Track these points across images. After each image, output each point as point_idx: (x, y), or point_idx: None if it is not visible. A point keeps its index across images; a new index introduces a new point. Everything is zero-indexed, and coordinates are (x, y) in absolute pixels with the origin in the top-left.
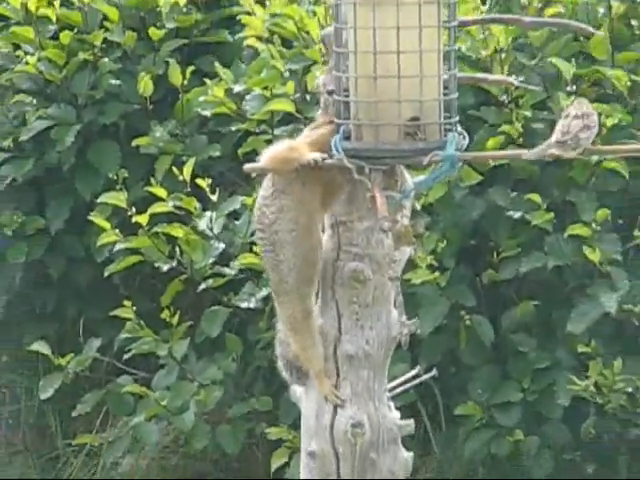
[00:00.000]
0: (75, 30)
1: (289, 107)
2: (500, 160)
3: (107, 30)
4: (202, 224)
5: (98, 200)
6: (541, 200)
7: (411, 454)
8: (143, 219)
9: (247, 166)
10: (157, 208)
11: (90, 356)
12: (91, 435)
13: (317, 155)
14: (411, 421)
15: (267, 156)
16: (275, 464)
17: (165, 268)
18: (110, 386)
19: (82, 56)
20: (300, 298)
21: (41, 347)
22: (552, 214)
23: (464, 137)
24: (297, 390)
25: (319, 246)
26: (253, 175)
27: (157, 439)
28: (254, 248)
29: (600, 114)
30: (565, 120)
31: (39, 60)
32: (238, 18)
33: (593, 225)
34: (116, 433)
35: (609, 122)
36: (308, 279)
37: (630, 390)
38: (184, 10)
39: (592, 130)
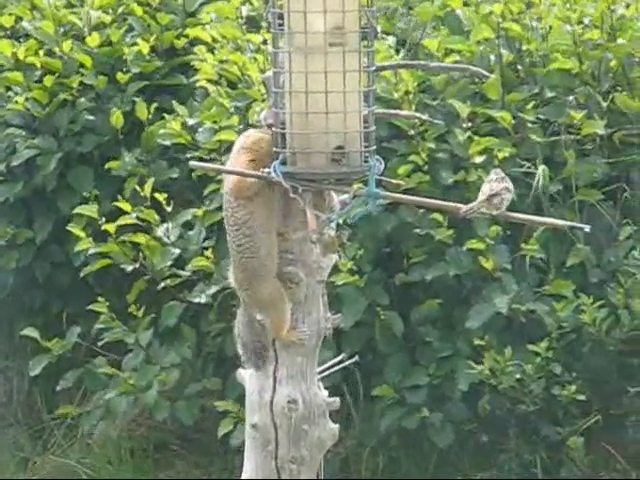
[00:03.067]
0: (56, 75)
1: (234, 137)
2: (410, 184)
3: (83, 75)
4: (161, 233)
5: (74, 212)
6: (442, 218)
7: (337, 426)
8: (111, 228)
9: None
10: (123, 220)
11: (72, 341)
12: (71, 407)
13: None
14: (337, 398)
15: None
16: (222, 432)
17: (130, 269)
18: (87, 366)
19: (62, 96)
20: (273, 276)
21: (31, 332)
22: (452, 230)
23: (380, 162)
24: (242, 372)
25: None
26: (205, 193)
27: (126, 411)
28: (205, 253)
29: (492, 149)
30: (489, 184)
31: (27, 100)
32: (192, 64)
33: (487, 239)
34: (92, 406)
35: (500, 155)
36: (274, 257)
37: (518, 376)
38: (147, 58)
39: (510, 192)
